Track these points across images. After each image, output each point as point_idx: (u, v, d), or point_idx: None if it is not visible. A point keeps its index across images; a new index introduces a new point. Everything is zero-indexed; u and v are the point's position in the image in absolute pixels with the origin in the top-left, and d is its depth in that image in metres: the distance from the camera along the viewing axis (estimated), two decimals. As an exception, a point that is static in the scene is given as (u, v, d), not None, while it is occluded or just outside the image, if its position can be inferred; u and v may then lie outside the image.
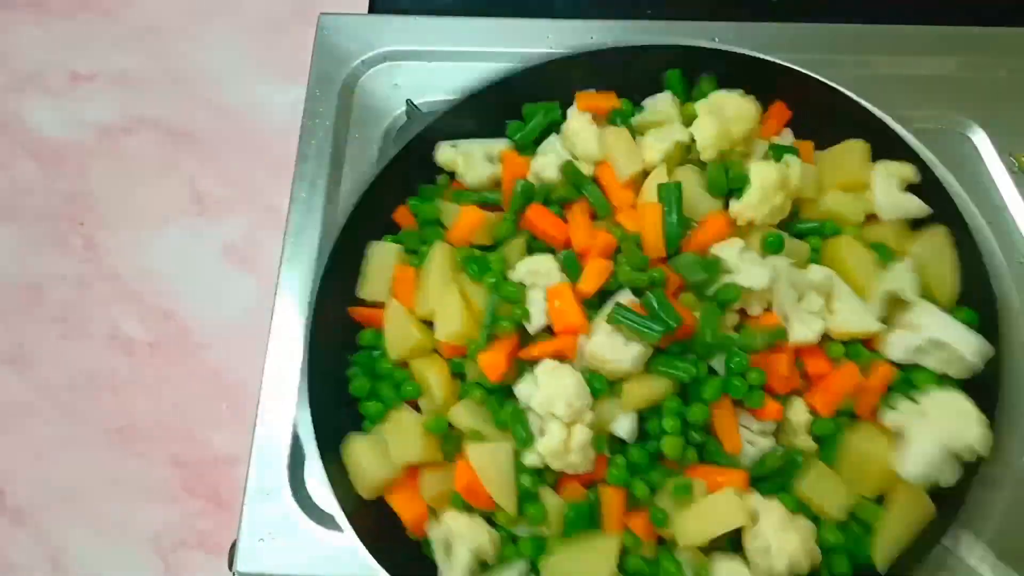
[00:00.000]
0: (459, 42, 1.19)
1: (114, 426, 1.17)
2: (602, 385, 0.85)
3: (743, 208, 0.91)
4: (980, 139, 1.13)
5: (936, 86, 1.16)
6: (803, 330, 0.87)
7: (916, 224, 0.99)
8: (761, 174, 0.91)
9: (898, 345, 0.90)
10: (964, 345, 0.88)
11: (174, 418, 1.17)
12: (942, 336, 0.88)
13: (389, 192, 1.02)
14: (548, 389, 0.84)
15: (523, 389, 0.87)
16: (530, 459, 0.86)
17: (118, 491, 1.14)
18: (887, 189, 0.97)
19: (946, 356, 0.89)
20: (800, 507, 0.87)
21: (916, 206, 0.97)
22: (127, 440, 1.17)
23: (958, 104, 1.15)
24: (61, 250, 1.27)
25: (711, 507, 0.84)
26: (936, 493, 0.87)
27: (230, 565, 0.96)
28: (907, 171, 0.97)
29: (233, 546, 0.96)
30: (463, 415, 0.89)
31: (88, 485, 1.15)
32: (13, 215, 1.30)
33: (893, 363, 0.91)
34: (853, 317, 0.89)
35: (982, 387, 0.89)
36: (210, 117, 1.35)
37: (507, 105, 1.06)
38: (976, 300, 0.93)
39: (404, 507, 0.90)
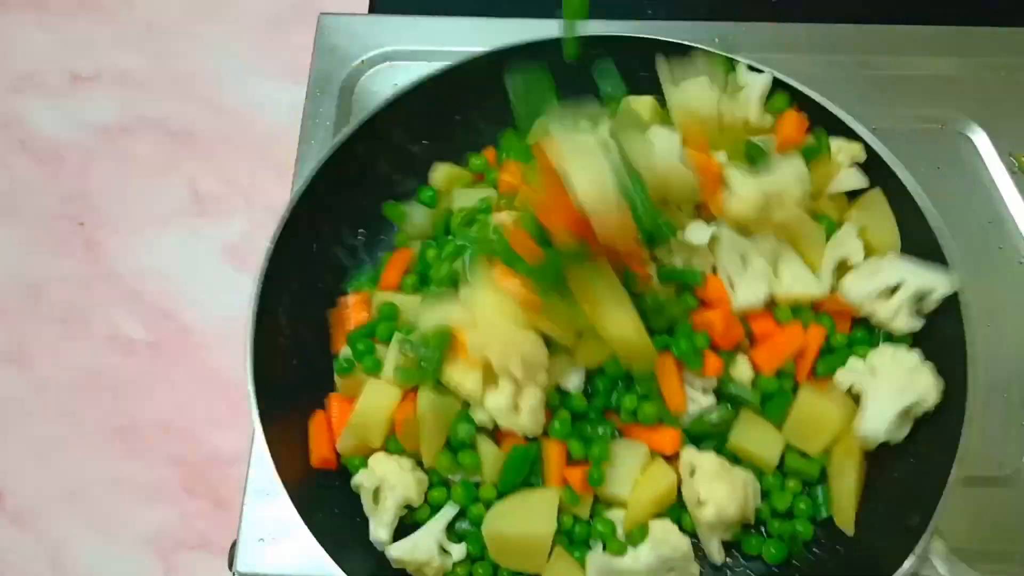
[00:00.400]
0: (459, 42, 1.19)
1: (114, 426, 1.17)
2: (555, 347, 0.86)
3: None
4: (980, 139, 1.13)
5: (936, 86, 1.17)
6: (748, 294, 0.88)
7: (852, 196, 0.98)
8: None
9: (860, 288, 0.90)
10: (932, 282, 0.88)
11: (174, 418, 1.17)
12: (905, 277, 0.89)
13: (337, 186, 1.00)
14: (505, 345, 0.82)
15: (476, 339, 0.85)
16: (479, 416, 0.85)
17: (118, 491, 1.14)
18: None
19: (906, 296, 0.89)
20: (736, 460, 0.88)
21: (858, 179, 0.97)
22: (127, 440, 1.17)
23: (958, 104, 1.15)
24: (61, 250, 1.27)
25: (646, 475, 0.86)
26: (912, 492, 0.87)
27: (230, 565, 0.96)
28: (855, 149, 0.96)
29: (233, 546, 0.96)
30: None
31: (88, 485, 1.14)
32: (13, 215, 1.30)
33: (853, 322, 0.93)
34: (799, 282, 0.91)
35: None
36: (210, 117, 1.35)
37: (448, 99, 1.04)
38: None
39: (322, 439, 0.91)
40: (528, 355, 0.82)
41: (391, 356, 0.89)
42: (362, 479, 0.88)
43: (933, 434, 0.86)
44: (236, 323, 0.90)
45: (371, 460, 0.89)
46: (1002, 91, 1.16)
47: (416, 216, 1.04)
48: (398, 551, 0.87)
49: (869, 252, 0.93)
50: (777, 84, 0.97)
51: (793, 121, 0.96)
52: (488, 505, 0.88)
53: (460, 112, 1.06)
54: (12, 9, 1.44)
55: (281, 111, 1.29)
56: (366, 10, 1.33)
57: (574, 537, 0.88)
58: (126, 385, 1.19)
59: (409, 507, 0.89)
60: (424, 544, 0.86)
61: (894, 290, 0.89)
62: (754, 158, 0.91)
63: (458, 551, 0.88)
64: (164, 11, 1.43)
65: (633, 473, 0.86)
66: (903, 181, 0.92)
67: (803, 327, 0.91)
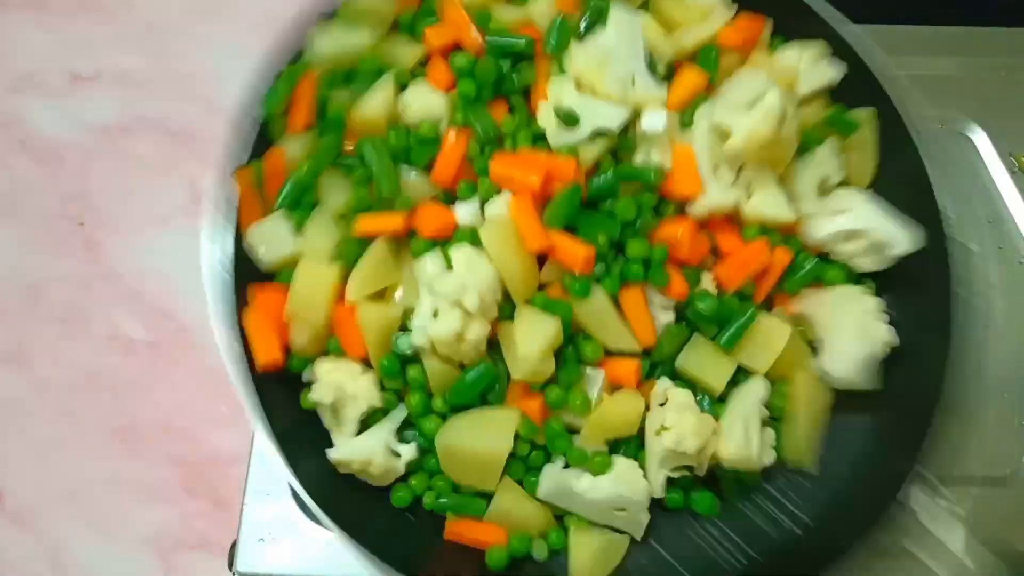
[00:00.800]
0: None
1: (114, 426, 1.17)
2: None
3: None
4: (980, 139, 1.13)
5: (936, 86, 1.16)
6: (719, 196, 0.85)
7: (836, 98, 0.96)
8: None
9: (822, 228, 0.89)
10: (890, 236, 0.87)
11: (174, 418, 1.17)
12: (868, 225, 0.87)
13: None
14: (462, 276, 0.80)
15: (430, 265, 0.83)
16: (417, 339, 0.82)
17: (118, 491, 1.14)
18: (802, 64, 0.94)
19: (866, 244, 0.88)
20: (684, 382, 0.87)
21: (832, 75, 0.94)
22: (127, 440, 1.17)
23: (958, 104, 1.15)
24: (61, 250, 1.27)
25: (612, 398, 0.85)
26: (892, 441, 0.87)
27: (230, 565, 0.96)
28: (817, 48, 0.94)
29: (233, 546, 0.96)
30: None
31: (88, 485, 1.15)
32: (13, 215, 1.30)
33: (817, 255, 0.91)
34: (770, 204, 0.87)
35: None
36: (210, 117, 1.35)
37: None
38: (903, 175, 0.92)
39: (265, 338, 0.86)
40: (485, 291, 0.80)
41: (316, 228, 0.86)
42: (319, 394, 0.84)
43: (916, 380, 0.86)
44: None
45: (318, 369, 0.85)
46: (1002, 91, 1.16)
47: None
48: (338, 454, 0.84)
49: (847, 173, 0.92)
50: None
51: (744, 25, 0.94)
52: (443, 417, 0.86)
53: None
54: (12, 9, 1.44)
55: (281, 111, 1.29)
56: (366, 10, 1.33)
57: (529, 463, 0.86)
58: (126, 385, 1.19)
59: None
60: (367, 444, 0.84)
61: (855, 234, 0.88)
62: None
63: (408, 451, 0.85)
64: (164, 11, 1.43)
65: (592, 398, 0.85)
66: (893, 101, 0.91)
67: (769, 247, 0.88)
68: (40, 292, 1.25)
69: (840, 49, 0.94)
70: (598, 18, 0.90)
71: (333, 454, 0.84)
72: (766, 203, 0.88)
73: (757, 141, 0.84)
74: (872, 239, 0.87)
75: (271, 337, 0.86)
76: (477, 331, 0.80)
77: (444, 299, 0.79)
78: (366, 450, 0.83)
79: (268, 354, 0.85)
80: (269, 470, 0.99)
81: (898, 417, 0.88)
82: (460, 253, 0.82)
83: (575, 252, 0.82)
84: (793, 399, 0.88)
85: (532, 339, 0.81)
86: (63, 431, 1.17)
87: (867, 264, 0.90)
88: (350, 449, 0.84)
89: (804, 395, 0.88)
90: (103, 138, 1.34)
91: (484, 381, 0.83)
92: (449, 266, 0.82)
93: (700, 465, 0.86)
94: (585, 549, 0.84)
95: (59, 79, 1.39)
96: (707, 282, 0.87)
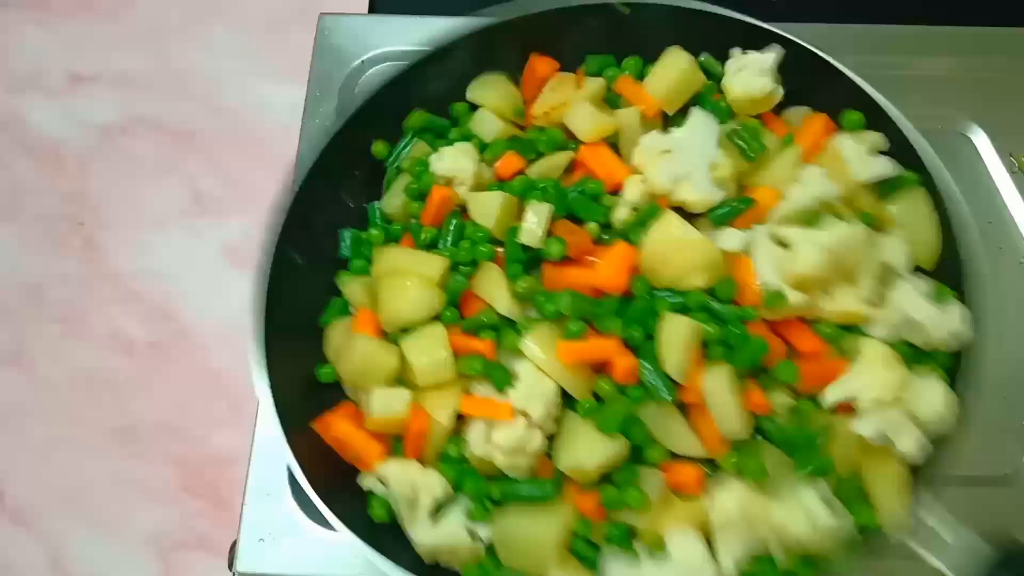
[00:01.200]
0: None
1: (114, 426, 1.17)
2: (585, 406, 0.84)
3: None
4: (980, 139, 1.13)
5: (936, 86, 1.16)
6: (791, 298, 0.83)
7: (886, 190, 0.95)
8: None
9: (878, 325, 0.87)
10: (934, 325, 0.85)
11: (174, 418, 1.17)
12: (916, 315, 0.85)
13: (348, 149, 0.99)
14: (530, 385, 0.82)
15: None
16: (477, 449, 0.83)
17: (118, 491, 1.14)
18: (858, 155, 0.92)
19: (923, 336, 0.86)
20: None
21: (889, 167, 0.92)
22: (127, 440, 1.17)
23: (958, 104, 1.15)
24: (61, 250, 1.27)
25: (675, 511, 0.82)
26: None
27: (230, 565, 0.96)
28: (875, 138, 0.93)
29: (233, 546, 0.96)
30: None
31: (88, 485, 1.15)
32: (13, 215, 1.30)
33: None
34: (844, 297, 0.86)
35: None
36: (210, 117, 1.35)
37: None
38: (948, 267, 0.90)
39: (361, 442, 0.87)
40: (550, 404, 0.81)
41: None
42: (396, 488, 0.85)
43: None
44: (236, 323, 0.89)
45: (384, 470, 0.86)
46: (1002, 91, 1.16)
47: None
48: (428, 540, 0.84)
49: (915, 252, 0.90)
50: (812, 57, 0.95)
51: (819, 125, 0.94)
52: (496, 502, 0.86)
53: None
54: (12, 9, 1.44)
55: (281, 111, 1.29)
56: (366, 10, 1.33)
57: (587, 561, 0.84)
58: (126, 385, 1.19)
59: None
60: (451, 530, 0.84)
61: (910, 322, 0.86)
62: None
63: (486, 533, 0.85)
64: (164, 11, 1.43)
65: (651, 500, 0.82)
66: (938, 179, 0.90)
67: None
68: (40, 292, 1.25)
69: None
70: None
71: (426, 540, 0.84)
72: (841, 298, 0.86)
73: (813, 276, 0.83)
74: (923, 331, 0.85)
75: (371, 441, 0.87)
76: (537, 443, 0.81)
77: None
78: (450, 535, 0.84)
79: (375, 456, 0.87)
80: (269, 470, 0.99)
81: None
82: (526, 365, 0.83)
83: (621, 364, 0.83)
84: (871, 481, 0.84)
85: (594, 453, 0.81)
86: (63, 431, 1.17)
87: (943, 345, 0.87)
88: (434, 536, 0.84)
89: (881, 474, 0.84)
90: (103, 138, 1.34)
91: (537, 498, 0.83)
92: (510, 381, 0.83)
93: (776, 552, 0.81)
94: None
95: (59, 79, 1.39)
96: (782, 394, 0.84)
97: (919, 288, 0.87)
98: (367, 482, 0.87)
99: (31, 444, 1.17)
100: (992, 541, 0.75)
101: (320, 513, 0.95)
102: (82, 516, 1.13)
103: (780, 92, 0.96)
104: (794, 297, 0.83)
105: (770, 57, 0.95)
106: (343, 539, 0.81)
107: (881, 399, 0.81)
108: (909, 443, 0.81)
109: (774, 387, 0.84)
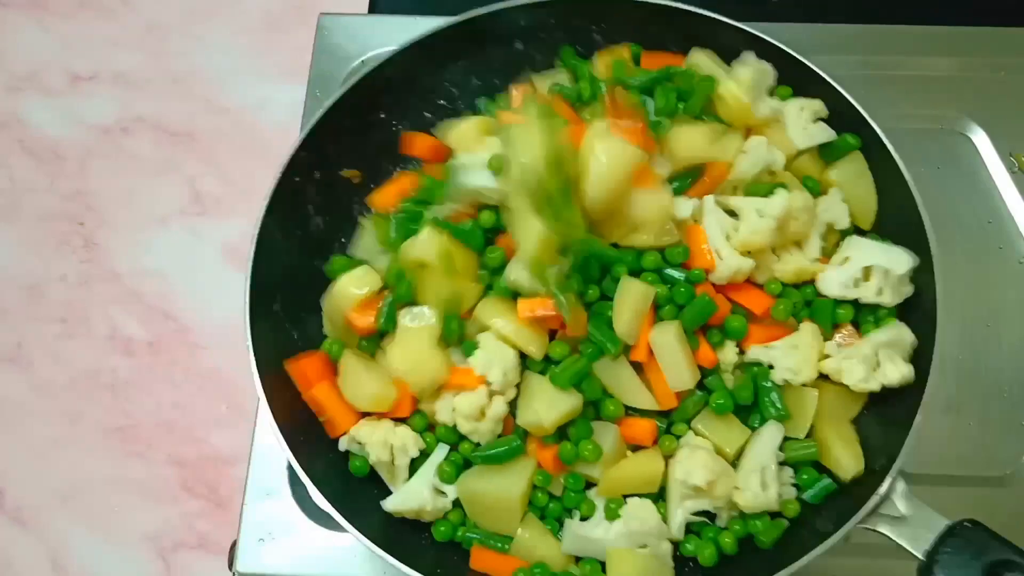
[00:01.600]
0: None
1: (114, 426, 1.17)
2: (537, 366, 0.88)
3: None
4: (980, 139, 1.13)
5: (936, 86, 1.17)
6: (736, 262, 0.87)
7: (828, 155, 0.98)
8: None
9: (833, 281, 0.90)
10: (894, 262, 0.89)
11: (174, 418, 1.17)
12: (871, 260, 0.89)
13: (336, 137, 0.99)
14: (489, 353, 0.85)
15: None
16: (442, 415, 0.87)
17: (118, 491, 1.14)
18: (799, 123, 0.96)
19: (877, 284, 0.89)
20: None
21: (828, 133, 0.96)
22: (127, 440, 1.17)
23: (958, 104, 1.15)
24: (61, 250, 1.27)
25: (630, 464, 0.87)
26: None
27: (230, 565, 0.96)
28: (816, 105, 0.96)
29: (233, 546, 0.97)
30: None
31: (88, 485, 1.15)
32: (13, 215, 1.30)
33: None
34: (793, 260, 0.91)
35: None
36: (210, 117, 1.35)
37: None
38: (900, 219, 0.93)
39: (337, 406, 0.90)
40: (508, 369, 0.85)
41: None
42: (377, 455, 0.88)
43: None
44: (236, 323, 0.90)
45: (358, 434, 0.88)
46: (1002, 91, 1.16)
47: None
48: (393, 504, 0.87)
49: (852, 217, 0.94)
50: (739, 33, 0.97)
51: None
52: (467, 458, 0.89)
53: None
54: (12, 9, 1.44)
55: (281, 111, 1.29)
56: (366, 10, 1.33)
57: (547, 513, 0.88)
58: (126, 385, 1.19)
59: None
60: (417, 491, 0.87)
61: (867, 272, 0.90)
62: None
63: (452, 490, 0.89)
64: (164, 11, 1.43)
65: (605, 449, 0.86)
66: (880, 138, 0.93)
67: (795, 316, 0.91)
68: (40, 292, 1.25)
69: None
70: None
71: (388, 506, 0.88)
72: (792, 260, 0.91)
73: (759, 242, 0.88)
74: (879, 273, 0.89)
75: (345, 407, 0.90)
76: (498, 409, 0.85)
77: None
78: (416, 496, 0.87)
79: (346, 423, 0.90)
80: (269, 470, 0.99)
81: (883, 412, 0.89)
82: (485, 335, 0.87)
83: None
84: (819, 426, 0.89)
85: (552, 409, 0.84)
86: (63, 431, 1.17)
87: (889, 299, 0.90)
88: (402, 498, 0.88)
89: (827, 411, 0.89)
90: (103, 138, 1.34)
91: (507, 458, 0.87)
92: (475, 348, 0.87)
93: (718, 510, 0.87)
94: (625, 567, 0.84)
95: (59, 79, 1.39)
96: (730, 348, 0.90)
97: (870, 242, 0.92)
98: (344, 443, 0.90)
99: (31, 444, 1.17)
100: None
101: (320, 512, 0.95)
102: (82, 516, 1.13)
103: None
104: (743, 262, 0.87)
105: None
106: (343, 539, 0.81)
107: (795, 372, 0.88)
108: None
109: (725, 344, 0.90)
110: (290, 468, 0.96)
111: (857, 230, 0.95)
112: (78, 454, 1.16)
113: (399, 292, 0.90)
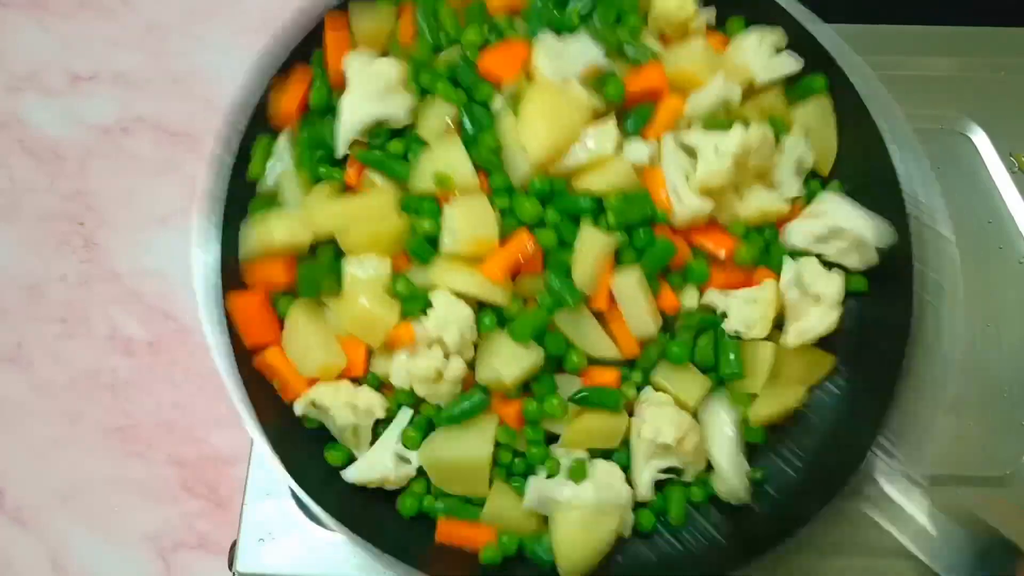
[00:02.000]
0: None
1: (114, 426, 1.17)
2: (492, 322, 0.85)
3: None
4: (980, 139, 1.13)
5: (936, 86, 1.17)
6: (696, 204, 0.86)
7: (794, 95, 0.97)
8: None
9: (799, 233, 0.90)
10: (867, 231, 0.88)
11: (174, 418, 1.17)
12: (847, 224, 0.88)
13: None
14: (443, 313, 0.82)
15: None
16: (397, 379, 0.84)
17: (118, 491, 1.14)
18: (759, 56, 0.94)
19: (846, 245, 0.89)
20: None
21: (789, 65, 0.95)
22: (127, 440, 1.17)
23: (958, 104, 1.15)
24: (61, 250, 1.27)
25: (593, 418, 0.85)
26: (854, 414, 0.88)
27: (230, 565, 0.96)
28: (775, 36, 0.95)
29: (233, 546, 0.96)
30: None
31: (88, 485, 1.15)
32: (13, 215, 1.30)
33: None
34: (760, 200, 0.89)
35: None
36: (210, 117, 1.34)
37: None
38: (867, 164, 0.92)
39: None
40: (464, 328, 0.82)
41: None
42: (343, 419, 0.85)
43: (880, 355, 0.87)
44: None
45: (320, 396, 0.85)
46: (1002, 91, 1.16)
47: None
48: (355, 474, 0.86)
49: (815, 155, 0.94)
50: None
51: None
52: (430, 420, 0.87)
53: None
54: (12, 9, 1.44)
55: (281, 111, 1.29)
56: (366, 10, 1.33)
57: (513, 470, 0.87)
58: (126, 385, 1.19)
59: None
60: (379, 459, 0.85)
61: (835, 233, 0.89)
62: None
63: (416, 456, 0.86)
64: (164, 11, 1.43)
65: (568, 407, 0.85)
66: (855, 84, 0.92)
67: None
68: (40, 292, 1.25)
69: (807, 44, 0.95)
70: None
71: (349, 476, 0.86)
72: (756, 200, 0.89)
73: (717, 182, 0.85)
74: (850, 237, 0.88)
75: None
76: (456, 370, 0.82)
77: (424, 338, 0.81)
78: (379, 465, 0.85)
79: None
80: (269, 470, 0.99)
81: (862, 391, 0.90)
82: (438, 294, 0.83)
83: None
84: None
85: (513, 364, 0.82)
86: (63, 431, 1.17)
87: (854, 262, 0.90)
88: (366, 466, 0.85)
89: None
90: (103, 138, 1.34)
91: (474, 412, 0.84)
92: (428, 306, 0.83)
93: (686, 466, 0.86)
94: (568, 525, 0.83)
95: (59, 79, 1.38)
96: (691, 292, 0.89)
97: (850, 204, 0.90)
98: (299, 408, 0.87)
99: (31, 444, 1.17)
100: (954, 517, 0.76)
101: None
102: (82, 516, 1.13)
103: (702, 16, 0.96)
104: (703, 204, 0.85)
105: None
106: (343, 539, 0.81)
107: (748, 326, 0.87)
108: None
109: (685, 288, 0.89)
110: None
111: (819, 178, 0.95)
112: (78, 454, 1.16)
113: (345, 243, 0.85)
